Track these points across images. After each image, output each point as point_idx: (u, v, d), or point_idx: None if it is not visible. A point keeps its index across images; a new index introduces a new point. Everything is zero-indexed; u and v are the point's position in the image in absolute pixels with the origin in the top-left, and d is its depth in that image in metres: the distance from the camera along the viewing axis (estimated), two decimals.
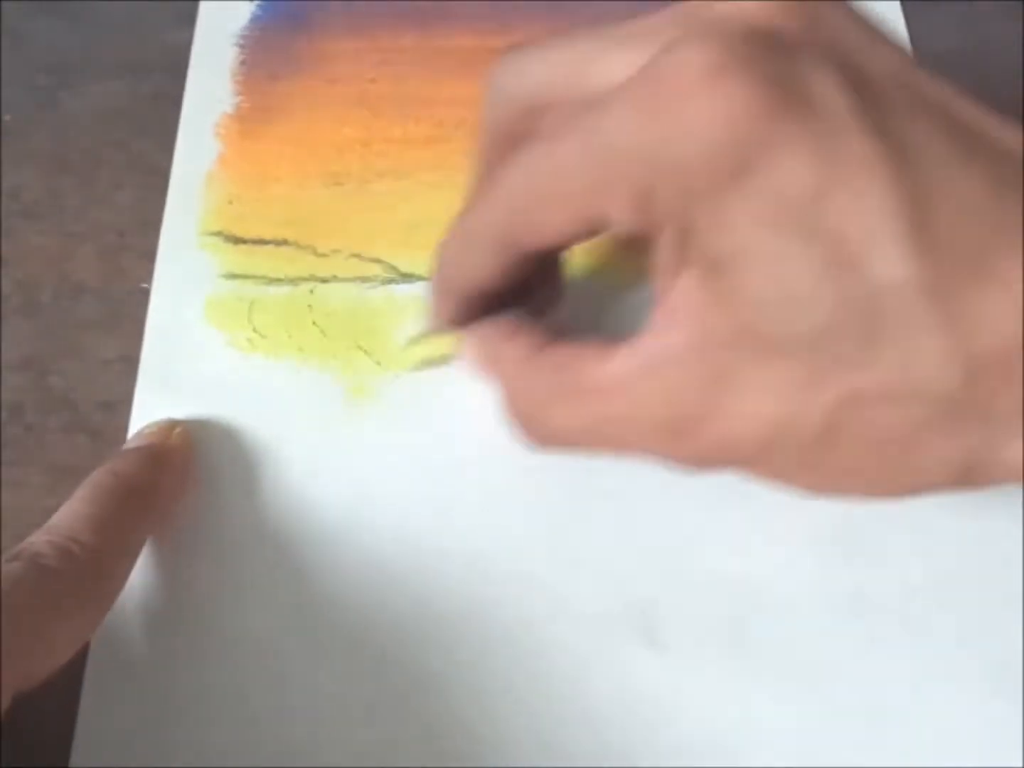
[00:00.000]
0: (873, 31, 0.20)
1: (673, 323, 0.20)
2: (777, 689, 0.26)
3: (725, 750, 0.25)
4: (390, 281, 0.31)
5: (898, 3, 0.38)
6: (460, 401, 0.29)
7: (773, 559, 0.27)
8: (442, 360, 0.29)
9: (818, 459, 0.20)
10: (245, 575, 0.27)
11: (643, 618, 0.27)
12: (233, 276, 0.32)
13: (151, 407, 0.29)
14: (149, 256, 0.32)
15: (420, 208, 0.33)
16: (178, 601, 0.27)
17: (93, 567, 0.24)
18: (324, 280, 0.31)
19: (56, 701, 0.25)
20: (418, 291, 0.31)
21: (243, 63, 0.36)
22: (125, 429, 0.29)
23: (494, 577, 0.27)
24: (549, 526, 0.28)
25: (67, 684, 0.25)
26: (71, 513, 0.25)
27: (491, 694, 0.26)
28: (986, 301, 0.18)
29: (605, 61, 0.21)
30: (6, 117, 0.35)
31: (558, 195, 0.21)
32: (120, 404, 0.30)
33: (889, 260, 0.18)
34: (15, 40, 0.37)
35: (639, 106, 0.19)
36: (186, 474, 0.28)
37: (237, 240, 0.32)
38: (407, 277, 0.31)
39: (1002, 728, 0.25)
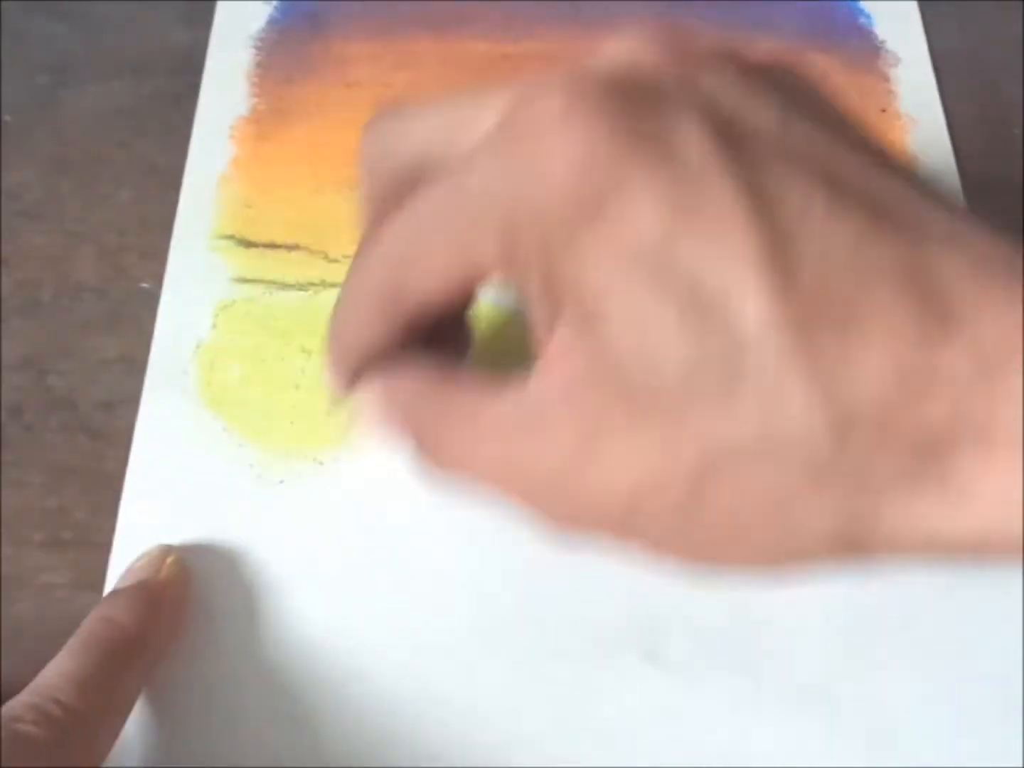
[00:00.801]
0: (755, 87, 0.19)
1: (547, 372, 0.20)
2: (779, 707, 0.26)
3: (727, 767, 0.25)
4: None
5: (915, 3, 0.38)
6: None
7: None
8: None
9: (687, 525, 0.19)
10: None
11: (646, 635, 0.26)
12: (244, 280, 0.31)
13: (158, 412, 0.29)
14: (149, 256, 0.32)
15: None
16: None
17: (76, 730, 0.23)
18: (335, 286, 0.31)
19: None
20: None
21: (259, 65, 0.36)
22: (125, 429, 0.29)
23: (496, 596, 0.27)
24: (552, 542, 0.27)
25: None
26: (56, 669, 0.24)
27: (492, 710, 0.25)
28: (854, 356, 0.16)
29: (478, 120, 0.21)
30: (6, 117, 0.35)
31: (430, 245, 0.21)
32: (120, 404, 0.29)
33: (748, 307, 0.17)
34: (15, 40, 0.37)
35: (497, 153, 0.19)
36: (181, 612, 0.27)
37: (249, 244, 0.32)
38: None
39: (1003, 747, 0.25)
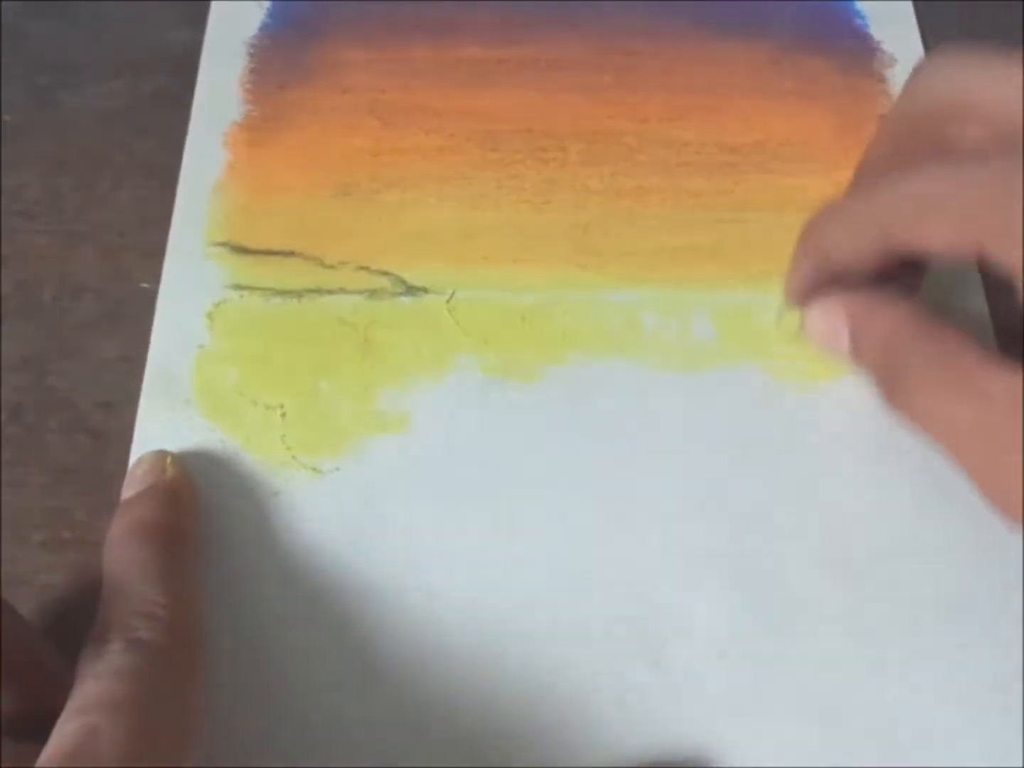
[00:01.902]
0: None
1: None
2: (779, 707, 0.26)
3: None
4: (398, 294, 0.31)
5: (911, 3, 0.38)
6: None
7: (778, 580, 0.27)
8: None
9: None
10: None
11: (646, 639, 0.26)
12: (239, 287, 0.31)
13: (155, 418, 0.29)
14: (149, 256, 0.32)
15: (429, 220, 0.33)
16: None
17: (177, 625, 0.24)
18: (330, 292, 0.31)
19: None
20: (426, 303, 0.31)
21: (252, 71, 0.36)
22: (125, 429, 0.29)
23: (497, 598, 0.27)
24: (553, 545, 0.28)
25: None
26: (126, 573, 0.25)
27: (492, 711, 0.26)
28: None
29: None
30: (6, 117, 0.35)
31: (943, 220, 0.22)
32: (120, 404, 0.30)
33: None
34: (15, 40, 0.37)
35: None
36: (194, 502, 0.28)
37: (244, 251, 0.32)
38: (414, 290, 0.31)
39: (1003, 747, 0.25)
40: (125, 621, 0.23)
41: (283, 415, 0.29)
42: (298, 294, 0.31)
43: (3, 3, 0.38)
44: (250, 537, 0.28)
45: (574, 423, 0.29)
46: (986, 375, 0.21)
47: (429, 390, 0.30)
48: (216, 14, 0.37)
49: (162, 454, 0.28)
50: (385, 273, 0.32)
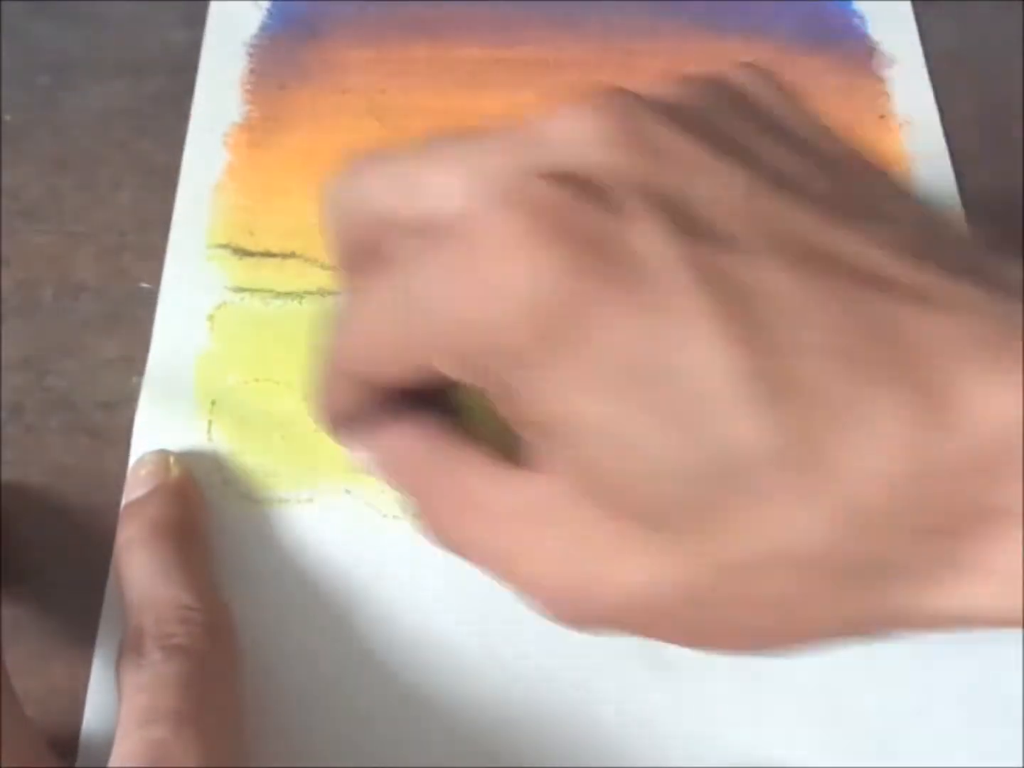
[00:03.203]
0: (716, 148, 0.18)
1: (538, 482, 0.19)
2: (780, 708, 0.26)
3: None
4: None
5: (909, 3, 0.38)
6: None
7: None
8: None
9: (693, 626, 0.18)
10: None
11: (649, 641, 0.26)
12: (240, 289, 0.31)
13: (155, 421, 0.29)
14: (149, 256, 0.32)
15: None
16: None
17: (210, 624, 0.24)
18: (331, 294, 0.31)
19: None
20: None
21: (252, 72, 0.36)
22: (125, 429, 0.29)
23: (497, 597, 0.27)
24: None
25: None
26: (149, 577, 0.25)
27: (494, 716, 0.26)
28: (854, 453, 0.16)
29: (433, 181, 0.19)
30: (6, 117, 0.35)
31: (385, 348, 0.20)
32: (120, 404, 0.30)
33: (737, 421, 0.16)
34: (15, 40, 0.37)
35: (448, 267, 0.18)
36: (201, 500, 0.28)
37: (244, 253, 0.32)
38: None
39: (1003, 747, 0.25)
40: (159, 629, 0.23)
41: (283, 417, 0.29)
42: (299, 296, 0.31)
43: (3, 3, 0.38)
44: (249, 539, 0.28)
45: None
46: (490, 493, 0.20)
47: None
48: (216, 14, 0.37)
49: (164, 454, 0.28)
50: None
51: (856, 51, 0.37)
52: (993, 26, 0.38)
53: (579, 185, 0.17)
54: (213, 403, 0.29)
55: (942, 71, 0.36)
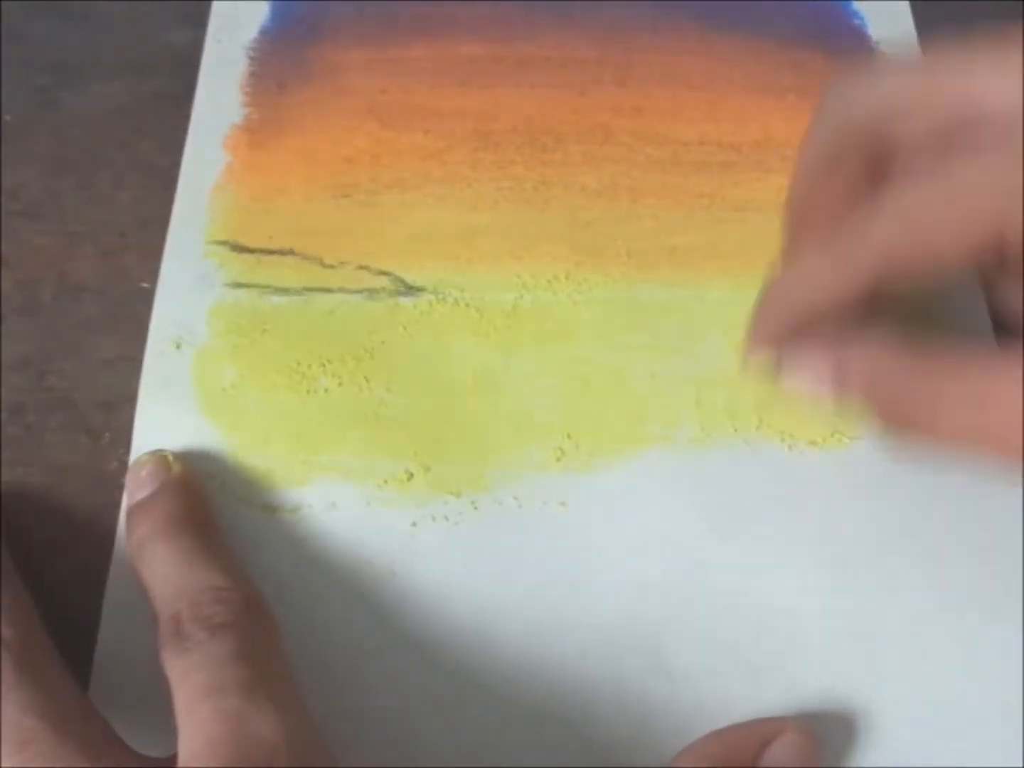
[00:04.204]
0: None
1: None
2: (780, 709, 0.26)
3: None
4: (397, 293, 0.31)
5: (907, 3, 0.38)
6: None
7: (780, 583, 0.27)
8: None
9: None
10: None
11: (649, 642, 0.27)
12: (239, 285, 0.31)
13: (154, 417, 0.29)
14: (149, 256, 0.32)
15: (428, 220, 0.33)
16: None
17: (246, 602, 0.24)
18: (329, 291, 0.31)
19: None
20: (424, 304, 0.31)
21: (252, 74, 0.36)
22: (125, 429, 0.29)
23: (496, 597, 0.27)
24: (556, 548, 0.28)
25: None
26: (174, 566, 0.25)
27: (491, 711, 0.26)
28: None
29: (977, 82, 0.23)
30: (6, 117, 0.35)
31: (955, 220, 0.21)
32: (120, 404, 0.30)
33: None
34: (15, 40, 0.37)
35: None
36: (205, 493, 0.28)
37: (243, 249, 0.32)
38: (414, 290, 0.31)
39: (1003, 747, 0.25)
40: (197, 611, 0.23)
41: (282, 413, 0.29)
42: (297, 293, 0.31)
43: (3, 3, 0.38)
44: (248, 535, 0.28)
45: None
46: (994, 381, 0.21)
47: None
48: (216, 15, 0.37)
49: (162, 453, 0.28)
50: (384, 273, 0.32)
51: (855, 50, 0.37)
52: (994, 26, 0.38)
53: None
54: (211, 398, 0.29)
55: None
